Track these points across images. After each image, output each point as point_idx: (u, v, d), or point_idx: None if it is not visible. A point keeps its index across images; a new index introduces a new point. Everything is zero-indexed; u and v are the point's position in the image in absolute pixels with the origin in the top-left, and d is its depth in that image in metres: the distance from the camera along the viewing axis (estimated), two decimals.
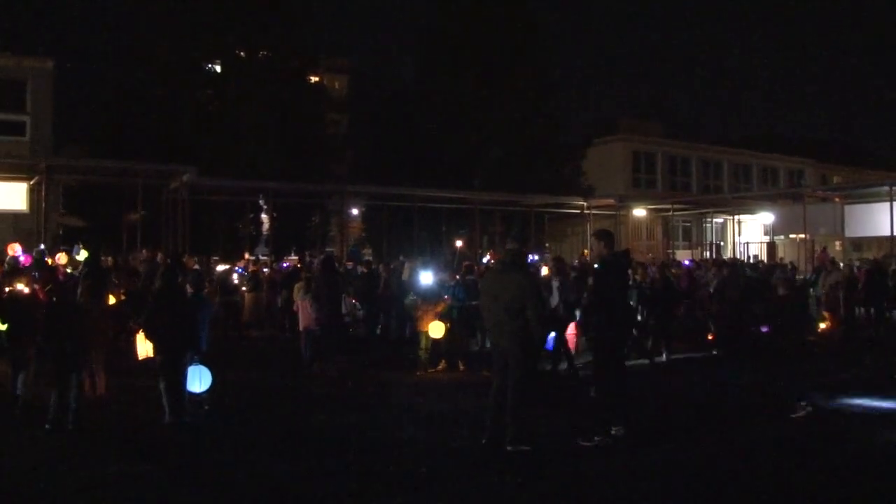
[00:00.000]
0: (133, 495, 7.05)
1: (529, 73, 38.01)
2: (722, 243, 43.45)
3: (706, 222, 44.58)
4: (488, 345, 11.02)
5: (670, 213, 39.85)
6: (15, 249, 18.53)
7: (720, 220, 44.46)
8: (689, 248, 43.43)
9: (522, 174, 36.19)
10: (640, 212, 39.04)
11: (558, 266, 14.68)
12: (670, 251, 38.40)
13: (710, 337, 17.05)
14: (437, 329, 13.53)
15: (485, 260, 24.06)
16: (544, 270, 16.45)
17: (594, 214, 36.85)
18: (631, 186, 45.02)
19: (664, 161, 48.06)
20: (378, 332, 18.65)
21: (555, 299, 13.67)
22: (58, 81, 28.26)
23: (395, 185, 31.99)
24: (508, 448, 8.25)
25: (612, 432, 8.71)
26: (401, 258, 25.23)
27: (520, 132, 37.13)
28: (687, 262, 26.08)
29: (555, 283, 13.95)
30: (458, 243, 34.55)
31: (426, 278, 15.10)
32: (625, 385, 9.35)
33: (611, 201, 37.42)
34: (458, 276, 15.72)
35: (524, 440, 8.32)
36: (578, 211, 37.12)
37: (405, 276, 18.28)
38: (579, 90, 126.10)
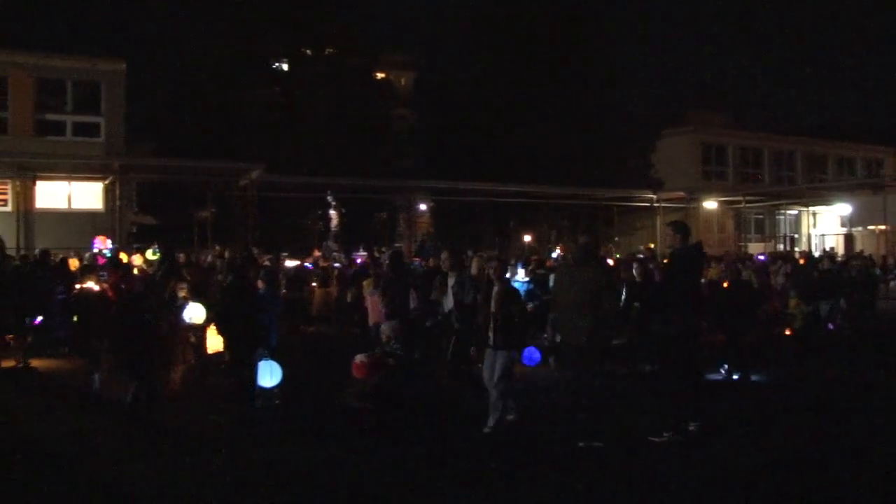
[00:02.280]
0: (204, 488, 7.08)
1: (592, 65, 37.62)
2: (796, 236, 42.44)
3: (779, 214, 43.59)
4: (558, 339, 10.85)
5: (742, 206, 39.04)
6: (105, 243, 18.99)
7: (794, 213, 43.43)
8: (762, 241, 42.46)
9: (587, 168, 35.85)
10: (710, 204, 38.37)
11: (454, 259, 11.41)
12: (742, 244, 37.66)
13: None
14: None
15: (554, 254, 23.83)
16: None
17: (664, 208, 36.32)
18: (701, 179, 44.16)
19: (735, 153, 47.02)
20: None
21: (449, 302, 10.97)
22: (129, 81, 28.75)
23: (462, 180, 31.93)
24: (580, 444, 8.11)
25: (691, 428, 8.50)
26: (468, 253, 25.15)
27: (584, 126, 36.76)
28: (761, 257, 25.47)
29: (450, 281, 11.03)
30: (526, 238, 34.40)
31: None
32: (699, 380, 9.12)
33: (681, 194, 36.84)
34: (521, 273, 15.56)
35: (596, 436, 8.17)
36: (648, 204, 36.62)
37: (473, 270, 18.16)
38: (645, 80, 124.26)
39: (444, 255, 11.80)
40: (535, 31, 36.78)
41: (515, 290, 9.60)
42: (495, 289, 9.13)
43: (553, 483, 7.20)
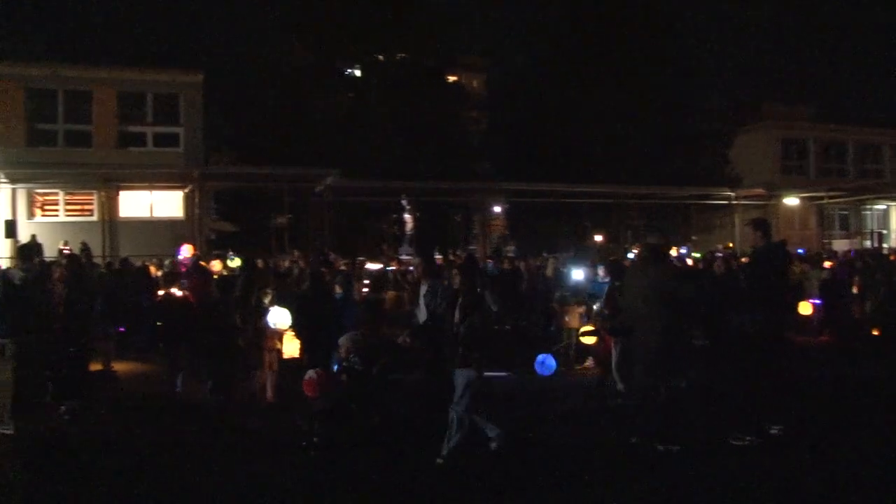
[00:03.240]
0: (273, 490, 7.20)
1: (666, 60, 37.04)
2: (885, 231, 41.01)
3: (866, 210, 42.19)
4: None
5: (825, 202, 37.94)
6: (186, 251, 19.43)
7: (882, 207, 42.02)
8: (847, 237, 41.12)
9: (662, 166, 35.31)
10: (791, 201, 37.33)
11: (427, 266, 10.93)
12: (826, 241, 36.61)
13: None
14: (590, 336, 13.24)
15: (630, 255, 23.56)
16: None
17: (743, 205, 35.52)
18: (780, 174, 42.92)
19: (816, 146, 45.57)
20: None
21: (422, 313, 10.09)
22: (207, 92, 29.35)
23: (536, 182, 31.75)
24: (658, 448, 7.96)
25: (773, 432, 8.28)
26: (544, 254, 25.03)
27: (658, 123, 36.21)
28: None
29: (422, 289, 10.28)
30: (598, 238, 34.06)
31: (576, 275, 14.93)
32: (783, 381, 8.87)
33: (760, 191, 35.97)
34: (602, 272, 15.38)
35: (674, 439, 8.00)
36: (726, 202, 35.87)
37: (549, 272, 18.08)
38: (721, 73, 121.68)
39: (416, 262, 10.86)
40: (606, 28, 36.40)
41: (481, 300, 8.69)
42: (460, 300, 8.36)
43: (630, 486, 7.09)
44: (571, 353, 13.97)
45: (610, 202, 33.47)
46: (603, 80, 35.73)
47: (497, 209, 40.86)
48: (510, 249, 37.71)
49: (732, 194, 35.12)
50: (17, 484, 7.64)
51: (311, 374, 8.82)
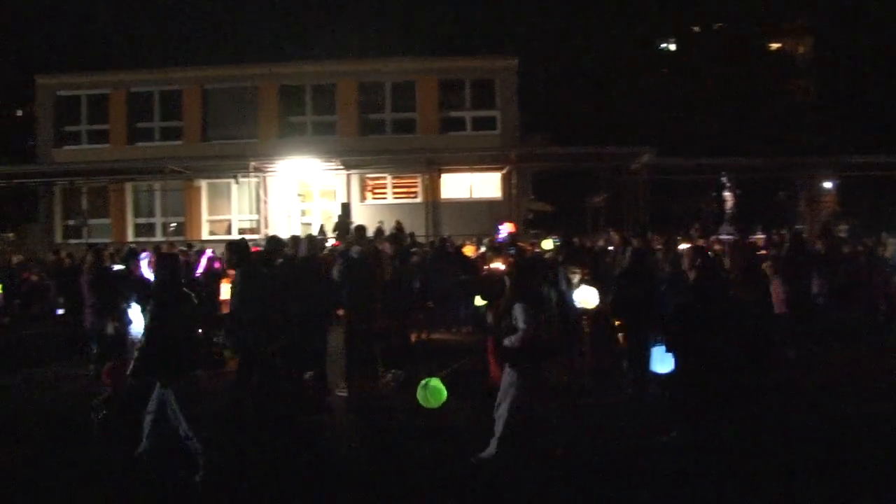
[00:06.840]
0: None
1: None
2: None
3: None
4: None
5: None
6: (506, 229, 20.01)
7: None
8: None
9: None
10: None
11: (237, 255, 8.85)
12: None
13: None
14: None
15: None
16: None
17: None
18: None
19: None
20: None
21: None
22: (522, 74, 29.84)
23: (875, 153, 28.78)
24: None
25: None
26: (883, 234, 22.83)
27: None
28: None
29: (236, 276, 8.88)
30: None
31: None
32: None
33: None
34: None
35: None
36: None
37: (888, 253, 16.44)
38: None
39: (227, 253, 9.31)
40: None
41: (176, 296, 7.16)
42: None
43: None
44: None
45: None
46: None
47: (827, 185, 37.83)
48: (843, 228, 34.81)
49: None
50: (345, 441, 8.45)
51: (109, 363, 8.67)
